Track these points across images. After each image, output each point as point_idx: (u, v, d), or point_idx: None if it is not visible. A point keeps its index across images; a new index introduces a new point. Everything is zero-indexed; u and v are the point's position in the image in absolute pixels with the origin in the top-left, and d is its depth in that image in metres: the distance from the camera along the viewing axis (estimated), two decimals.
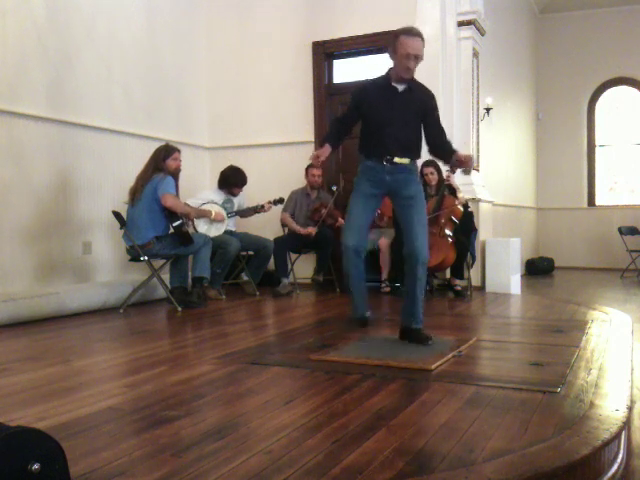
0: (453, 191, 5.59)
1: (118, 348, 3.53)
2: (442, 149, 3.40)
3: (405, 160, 3.29)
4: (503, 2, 8.19)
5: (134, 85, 6.03)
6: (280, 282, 5.82)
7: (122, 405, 2.27)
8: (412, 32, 3.19)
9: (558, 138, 10.34)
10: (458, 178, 5.80)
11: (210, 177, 6.95)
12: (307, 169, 6.10)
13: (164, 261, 5.14)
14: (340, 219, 6.01)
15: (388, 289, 5.80)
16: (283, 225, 6.17)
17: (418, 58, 3.19)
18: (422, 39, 3.21)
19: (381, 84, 3.34)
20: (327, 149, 3.39)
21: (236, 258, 5.79)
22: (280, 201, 6.05)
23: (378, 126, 3.31)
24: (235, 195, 6.01)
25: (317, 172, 6.05)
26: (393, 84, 3.28)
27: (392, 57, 3.25)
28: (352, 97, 3.44)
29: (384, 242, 5.87)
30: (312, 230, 5.87)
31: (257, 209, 5.97)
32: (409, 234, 3.27)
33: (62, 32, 5.22)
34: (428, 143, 3.39)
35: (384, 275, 5.89)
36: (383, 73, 3.37)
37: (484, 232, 6.27)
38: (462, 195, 5.62)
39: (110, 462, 1.69)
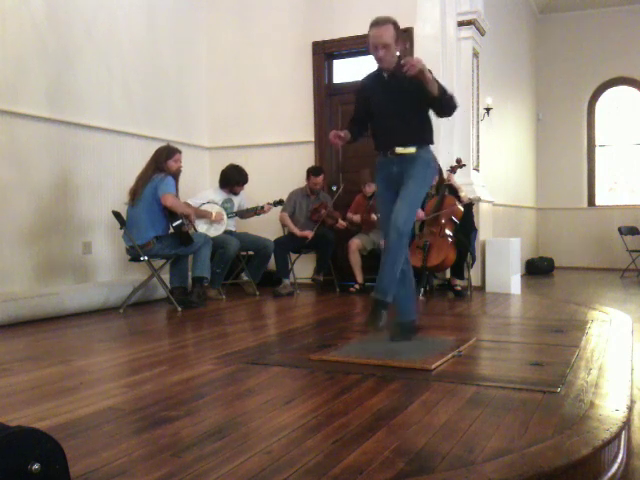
0: (453, 191, 5.59)
1: (118, 348, 3.53)
2: (445, 108, 3.19)
3: (410, 149, 3.19)
4: (503, 2, 8.19)
5: (134, 85, 6.04)
6: (281, 282, 5.83)
7: (122, 405, 2.27)
8: (373, 23, 3.16)
9: (558, 138, 10.34)
10: (458, 178, 5.81)
11: (210, 177, 6.95)
12: (308, 174, 6.09)
13: (164, 261, 5.14)
14: (340, 220, 6.03)
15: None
16: (283, 225, 6.17)
17: (387, 47, 3.11)
18: (386, 25, 3.11)
19: (373, 75, 3.33)
20: (347, 134, 3.33)
21: (236, 258, 5.80)
22: (280, 202, 6.05)
23: (377, 118, 3.30)
24: (236, 194, 6.01)
25: (319, 180, 6.05)
26: (383, 73, 3.26)
27: None
28: (357, 89, 3.44)
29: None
30: (309, 234, 5.88)
31: (257, 210, 5.97)
32: (395, 207, 3.15)
33: (62, 32, 5.22)
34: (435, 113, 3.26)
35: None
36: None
37: (484, 232, 6.27)
38: (465, 194, 5.61)
39: (110, 462, 1.69)
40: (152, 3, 6.30)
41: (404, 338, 3.28)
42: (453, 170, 5.63)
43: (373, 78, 3.34)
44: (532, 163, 10.31)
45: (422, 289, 5.42)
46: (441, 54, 6.13)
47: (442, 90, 3.13)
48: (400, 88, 3.18)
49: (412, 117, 3.22)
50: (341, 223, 6.02)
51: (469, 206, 5.67)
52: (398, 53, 3.23)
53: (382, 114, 3.27)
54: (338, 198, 6.19)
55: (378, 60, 3.18)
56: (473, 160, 6.42)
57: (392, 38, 3.13)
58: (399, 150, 3.20)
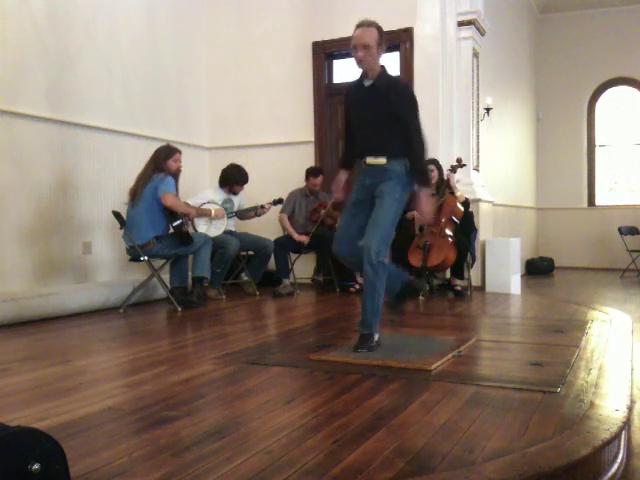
0: (451, 191, 5.60)
1: (118, 348, 3.53)
2: (409, 150, 3.13)
3: (381, 160, 3.13)
4: (503, 2, 8.19)
5: (134, 85, 6.03)
6: (281, 282, 5.83)
7: (122, 405, 2.27)
8: (357, 25, 3.19)
9: (558, 138, 10.34)
10: (458, 177, 5.81)
11: (210, 177, 6.95)
12: (307, 175, 6.09)
13: (164, 261, 5.14)
14: (339, 219, 6.02)
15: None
16: (282, 226, 6.17)
17: (367, 48, 3.09)
18: (370, 27, 3.14)
19: (356, 83, 3.31)
20: (342, 177, 3.35)
21: (236, 258, 5.79)
22: (280, 201, 6.05)
23: (354, 126, 3.29)
24: (236, 193, 6.00)
25: (318, 181, 6.04)
26: (364, 82, 3.23)
27: None
28: (344, 96, 3.45)
29: None
30: (305, 239, 5.88)
31: (257, 211, 5.96)
32: (366, 233, 3.14)
33: (62, 32, 5.22)
34: None
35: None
36: None
37: (484, 232, 6.27)
38: (460, 194, 5.63)
39: (110, 462, 1.69)
40: (152, 3, 6.30)
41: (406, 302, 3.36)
42: (453, 170, 5.63)
43: (355, 85, 3.31)
44: (532, 163, 10.31)
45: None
46: (441, 54, 6.12)
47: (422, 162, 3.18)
48: (377, 98, 3.15)
49: (385, 128, 3.15)
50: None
51: (468, 206, 5.67)
52: (381, 62, 3.22)
53: (358, 122, 3.26)
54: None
55: (358, 61, 3.14)
56: (473, 160, 6.42)
57: (374, 40, 3.11)
58: (370, 160, 3.16)
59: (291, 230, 6.00)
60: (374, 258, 3.03)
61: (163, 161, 4.90)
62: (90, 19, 5.50)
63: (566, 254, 10.10)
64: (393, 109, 3.11)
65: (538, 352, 3.17)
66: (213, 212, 5.65)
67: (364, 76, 3.23)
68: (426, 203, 3.23)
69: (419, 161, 3.14)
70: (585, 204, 10.29)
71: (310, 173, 6.08)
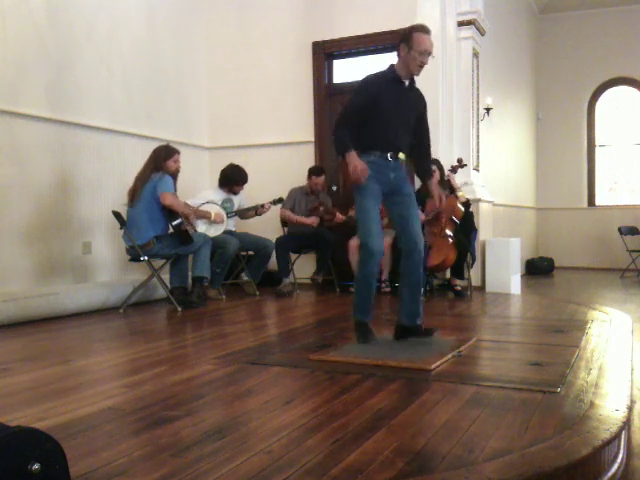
0: (452, 190, 5.59)
1: (118, 348, 3.53)
2: (419, 154, 3.48)
3: (403, 157, 3.32)
4: (503, 2, 8.19)
5: (134, 85, 6.03)
6: (281, 282, 5.83)
7: (122, 405, 2.26)
8: (426, 29, 3.25)
9: (558, 138, 10.34)
10: (458, 177, 5.81)
11: (210, 177, 6.95)
12: (310, 174, 6.09)
13: (164, 261, 5.14)
14: (338, 214, 6.02)
15: (389, 289, 5.80)
16: (283, 225, 6.17)
17: (430, 55, 3.26)
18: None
19: (390, 77, 3.28)
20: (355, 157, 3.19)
21: (236, 258, 5.79)
22: (280, 201, 6.05)
23: (386, 118, 3.23)
24: (236, 193, 6.01)
25: (320, 180, 6.05)
26: (401, 79, 3.28)
27: (404, 53, 3.21)
28: (366, 86, 3.25)
29: (385, 242, 5.85)
30: (315, 220, 5.92)
31: (257, 209, 5.96)
32: (409, 229, 3.26)
33: (62, 32, 5.22)
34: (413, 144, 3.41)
35: (384, 275, 5.89)
36: (384, 69, 3.36)
37: (484, 232, 6.27)
38: (462, 194, 5.62)
39: (110, 462, 1.69)
40: (152, 3, 6.30)
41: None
42: (454, 170, 5.63)
43: (387, 79, 3.27)
44: (532, 163, 10.31)
45: (422, 289, 5.41)
46: (441, 54, 6.12)
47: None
48: (411, 101, 3.33)
49: (408, 128, 3.33)
50: (339, 217, 6.00)
51: (468, 206, 5.67)
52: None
53: (391, 116, 3.23)
54: (338, 198, 6.19)
55: (420, 66, 3.21)
56: (473, 160, 6.42)
57: None
58: (401, 155, 3.30)
59: (298, 218, 6.01)
60: (423, 250, 3.33)
61: (162, 161, 4.90)
62: (90, 19, 5.50)
63: (566, 254, 10.10)
64: (417, 115, 3.36)
65: (538, 352, 3.17)
66: (213, 215, 5.64)
67: (397, 74, 3.26)
68: (437, 187, 3.61)
69: (430, 161, 3.60)
70: (585, 204, 10.29)
71: (312, 172, 6.08)
